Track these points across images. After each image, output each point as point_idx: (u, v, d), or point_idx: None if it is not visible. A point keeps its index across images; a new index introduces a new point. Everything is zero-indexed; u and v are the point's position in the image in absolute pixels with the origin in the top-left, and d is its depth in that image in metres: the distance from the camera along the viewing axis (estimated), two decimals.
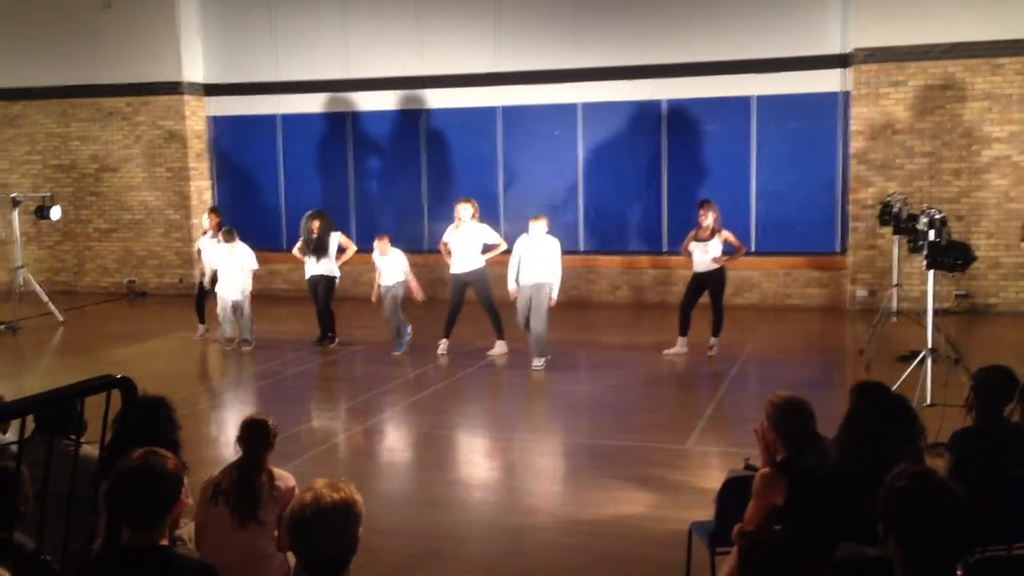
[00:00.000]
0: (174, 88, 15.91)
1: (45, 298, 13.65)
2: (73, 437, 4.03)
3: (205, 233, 12.25)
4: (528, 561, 5.67)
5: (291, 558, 4.30)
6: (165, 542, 3.09)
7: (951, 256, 8.13)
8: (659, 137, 14.23)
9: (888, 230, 11.22)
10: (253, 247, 11.84)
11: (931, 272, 8.31)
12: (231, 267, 11.50)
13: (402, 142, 15.37)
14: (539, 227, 10.30)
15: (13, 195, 14.07)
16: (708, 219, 10.51)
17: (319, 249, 11.51)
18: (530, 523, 6.28)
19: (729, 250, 10.71)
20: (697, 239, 10.59)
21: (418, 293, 11.19)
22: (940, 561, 2.56)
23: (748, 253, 11.87)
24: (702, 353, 10.56)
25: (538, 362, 10.17)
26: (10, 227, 14.27)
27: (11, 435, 4.49)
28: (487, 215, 11.93)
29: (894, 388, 4.58)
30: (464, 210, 10.77)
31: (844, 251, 13.49)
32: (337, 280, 11.73)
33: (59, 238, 16.74)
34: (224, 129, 16.41)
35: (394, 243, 11.34)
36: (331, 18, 15.40)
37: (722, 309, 10.68)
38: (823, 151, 13.60)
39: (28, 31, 16.33)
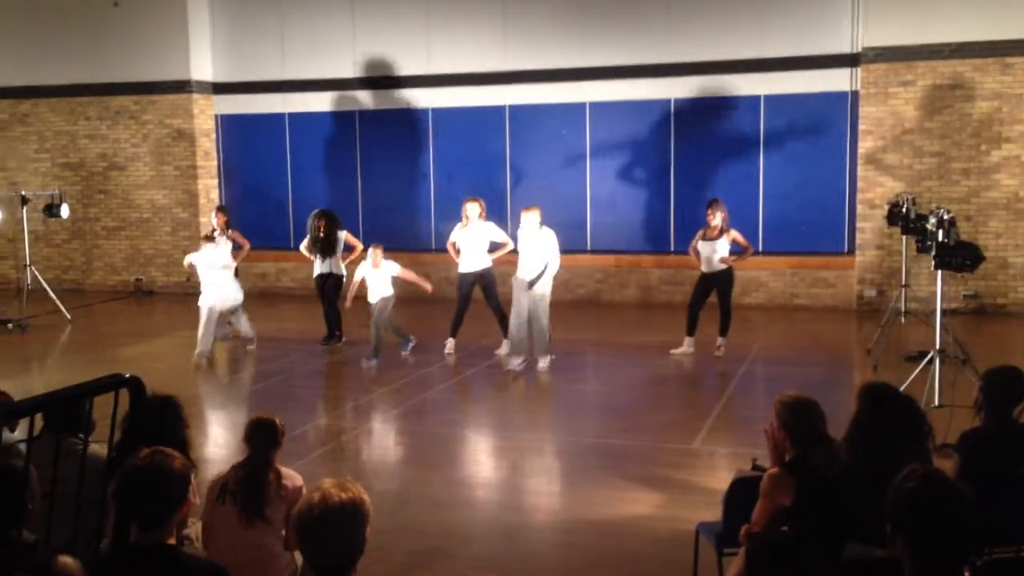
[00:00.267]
0: (182, 87, 15.94)
1: (54, 296, 13.69)
2: (81, 436, 4.03)
3: (214, 231, 12.26)
4: (534, 560, 5.67)
5: (298, 557, 4.31)
6: (173, 541, 3.09)
7: (960, 256, 8.11)
8: (667, 136, 14.20)
9: (896, 230, 11.20)
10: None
11: (939, 272, 8.28)
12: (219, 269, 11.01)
13: (409, 141, 15.37)
14: (531, 218, 9.87)
15: (22, 193, 14.12)
16: (716, 218, 10.49)
17: (326, 247, 11.52)
18: (536, 522, 6.28)
19: (737, 250, 10.69)
20: (705, 238, 10.58)
21: (425, 284, 10.85)
22: (948, 562, 2.56)
23: (755, 253, 11.84)
24: (709, 353, 10.54)
25: (543, 362, 10.04)
26: (19, 225, 14.32)
27: (19, 434, 4.50)
28: (494, 214, 11.93)
29: (902, 389, 4.57)
30: (472, 209, 10.76)
31: (852, 251, 13.45)
32: (344, 279, 11.74)
33: (67, 236, 16.78)
34: (232, 127, 16.44)
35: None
36: (339, 17, 15.41)
37: (730, 309, 10.67)
38: (831, 151, 13.55)
39: (37, 30, 16.37)
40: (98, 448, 4.02)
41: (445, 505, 6.46)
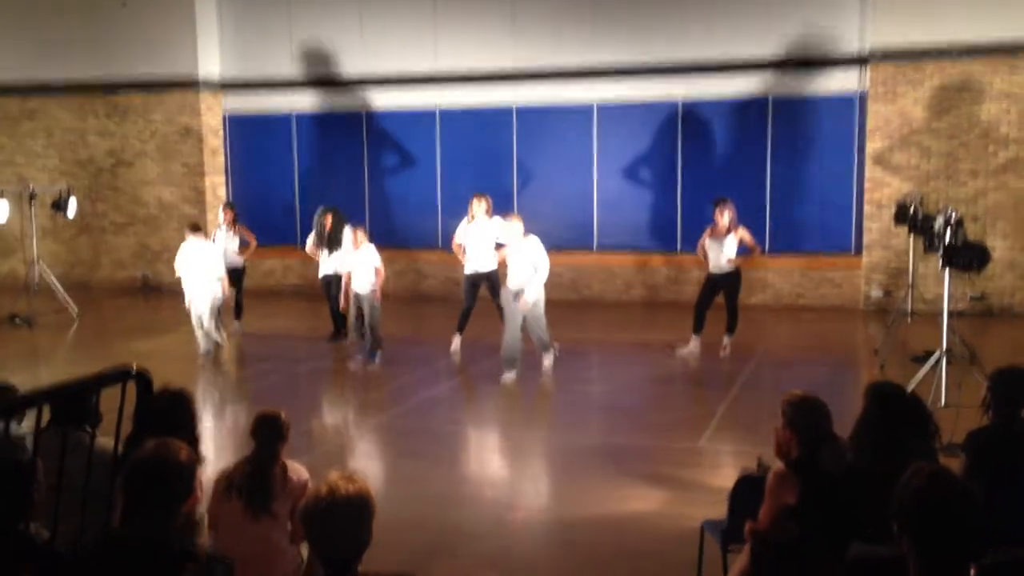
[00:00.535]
0: (190, 84, 15.97)
1: (61, 292, 13.73)
2: (88, 429, 4.04)
3: (220, 228, 12.30)
4: (539, 557, 5.67)
5: (304, 551, 4.32)
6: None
7: (967, 257, 8.09)
8: (675, 136, 14.19)
9: (904, 230, 11.18)
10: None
11: (947, 273, 8.27)
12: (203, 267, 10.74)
13: (417, 140, 15.38)
14: (515, 228, 9.57)
15: (30, 189, 14.17)
16: (724, 218, 10.48)
17: (332, 244, 11.52)
18: (541, 520, 6.28)
19: (744, 250, 10.68)
20: (713, 237, 10.57)
21: (377, 293, 10.31)
22: (954, 561, 2.55)
23: (763, 252, 11.83)
24: (715, 352, 10.53)
25: (547, 360, 9.95)
26: (27, 221, 14.36)
27: (26, 426, 4.51)
28: (501, 214, 11.91)
29: (908, 389, 4.56)
30: (478, 206, 10.77)
31: (859, 251, 13.43)
32: None
33: (75, 232, 16.83)
34: (239, 125, 16.46)
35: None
36: (347, 16, 15.42)
37: (737, 309, 10.66)
38: (839, 151, 13.53)
39: (46, 27, 16.41)
40: (105, 441, 4.03)
41: (449, 502, 6.47)
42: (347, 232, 11.54)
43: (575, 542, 5.76)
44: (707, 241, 10.61)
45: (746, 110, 13.83)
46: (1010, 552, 3.45)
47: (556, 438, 8.09)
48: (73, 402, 4.13)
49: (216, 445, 7.71)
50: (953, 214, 8.30)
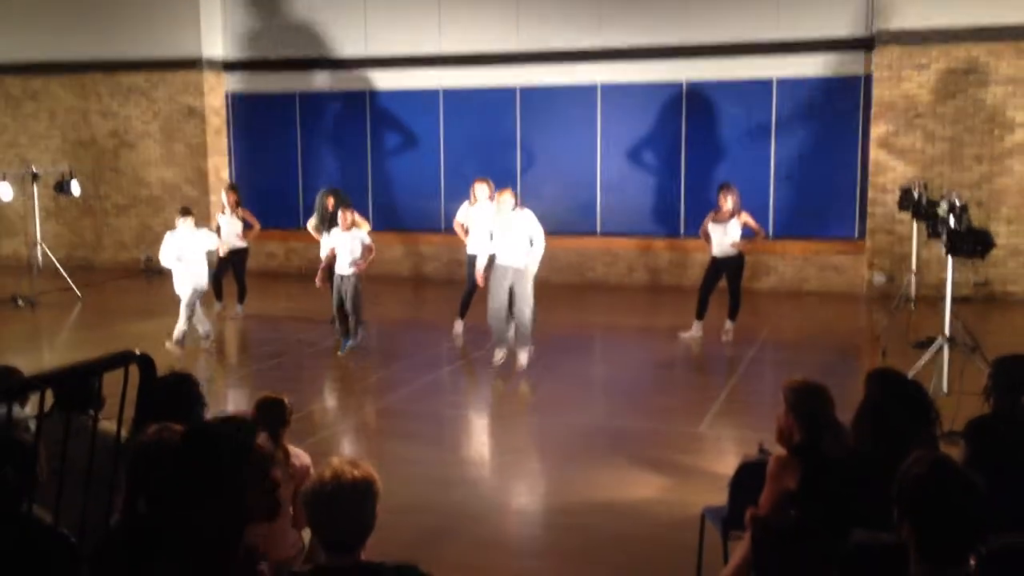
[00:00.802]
0: (194, 64, 15.92)
1: (64, 273, 13.74)
2: (91, 413, 4.05)
3: (223, 210, 12.29)
4: (540, 541, 5.69)
5: (305, 536, 4.33)
6: None
7: (970, 243, 8.06)
8: (679, 119, 14.14)
9: (907, 216, 11.15)
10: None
11: (950, 259, 8.25)
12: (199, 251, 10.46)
13: (420, 121, 15.34)
14: (507, 200, 9.30)
15: (33, 170, 14.15)
16: (728, 202, 10.46)
17: (333, 226, 11.49)
18: (543, 504, 6.30)
19: (748, 233, 10.67)
20: (716, 221, 10.55)
21: (362, 264, 10.01)
22: (955, 548, 2.56)
23: (766, 237, 11.82)
24: (717, 337, 10.53)
25: (523, 356, 9.30)
26: (29, 202, 14.36)
27: (29, 410, 4.52)
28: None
29: (910, 375, 4.56)
30: (481, 190, 10.75)
31: (863, 236, 13.41)
32: None
33: (77, 213, 16.83)
34: (243, 106, 16.43)
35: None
36: None
37: (740, 293, 10.65)
38: (844, 135, 13.48)
39: (49, 6, 16.36)
40: (108, 425, 4.04)
41: (451, 485, 6.48)
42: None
43: (575, 526, 5.77)
44: (711, 225, 10.60)
45: (750, 92, 13.77)
46: (1010, 538, 3.46)
47: (557, 422, 8.10)
48: (76, 386, 4.13)
49: None
50: (957, 200, 8.28)
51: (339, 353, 10.02)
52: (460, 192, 11.85)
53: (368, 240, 10.19)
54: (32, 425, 3.79)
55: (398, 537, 5.33)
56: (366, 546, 2.83)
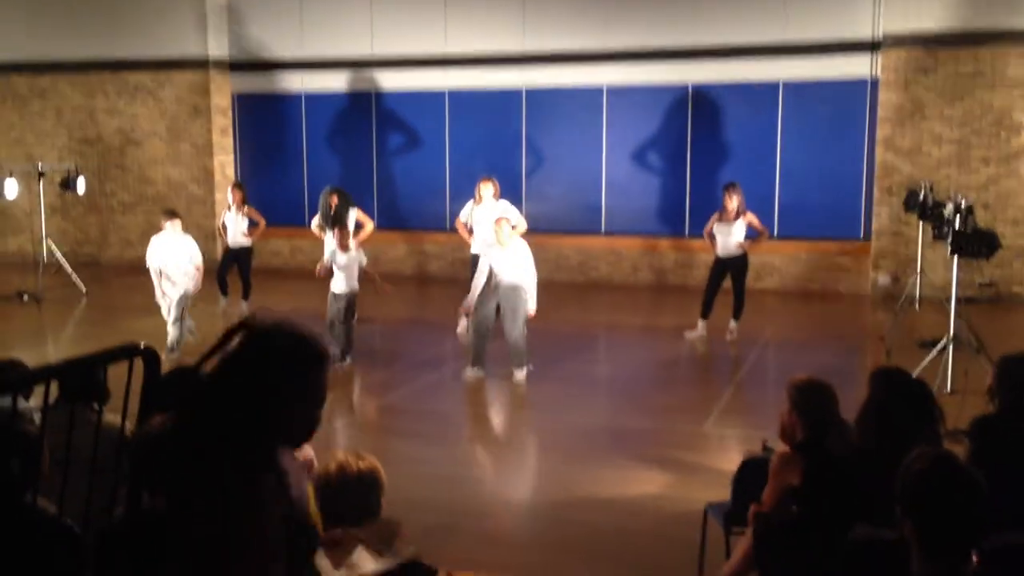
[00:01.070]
0: (200, 64, 15.95)
1: (69, 269, 13.78)
2: (96, 405, 4.06)
3: (229, 208, 12.31)
4: (544, 537, 5.70)
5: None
6: None
7: (976, 244, 8.06)
8: (685, 121, 14.14)
9: (913, 217, 11.15)
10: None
11: (955, 259, 8.24)
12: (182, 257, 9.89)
13: (426, 121, 15.36)
14: (486, 191, 9.58)
15: (39, 167, 14.19)
16: (733, 202, 10.46)
17: (337, 224, 11.50)
18: (547, 500, 6.31)
19: (752, 234, 10.67)
20: (721, 221, 10.55)
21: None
22: (957, 545, 2.56)
23: (771, 237, 11.82)
24: (722, 337, 10.53)
25: (519, 374, 8.99)
26: (36, 198, 14.39)
27: (34, 402, 4.54)
28: (509, 197, 11.88)
29: (914, 375, 4.56)
30: (486, 189, 10.76)
31: (868, 237, 13.39)
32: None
33: (83, 210, 16.87)
34: (249, 105, 16.46)
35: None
36: None
37: (744, 293, 10.65)
38: (850, 137, 13.47)
39: (56, 5, 16.41)
40: (112, 417, 4.05)
41: (454, 482, 6.49)
42: (353, 213, 11.30)
43: (578, 523, 5.78)
44: (716, 226, 10.60)
45: (757, 95, 13.77)
46: (1012, 536, 3.46)
47: (561, 419, 8.10)
48: (80, 379, 4.14)
49: None
50: (963, 201, 8.27)
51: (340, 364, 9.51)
52: (465, 192, 11.86)
53: (365, 260, 9.77)
54: (36, 417, 3.80)
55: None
56: None
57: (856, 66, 13.33)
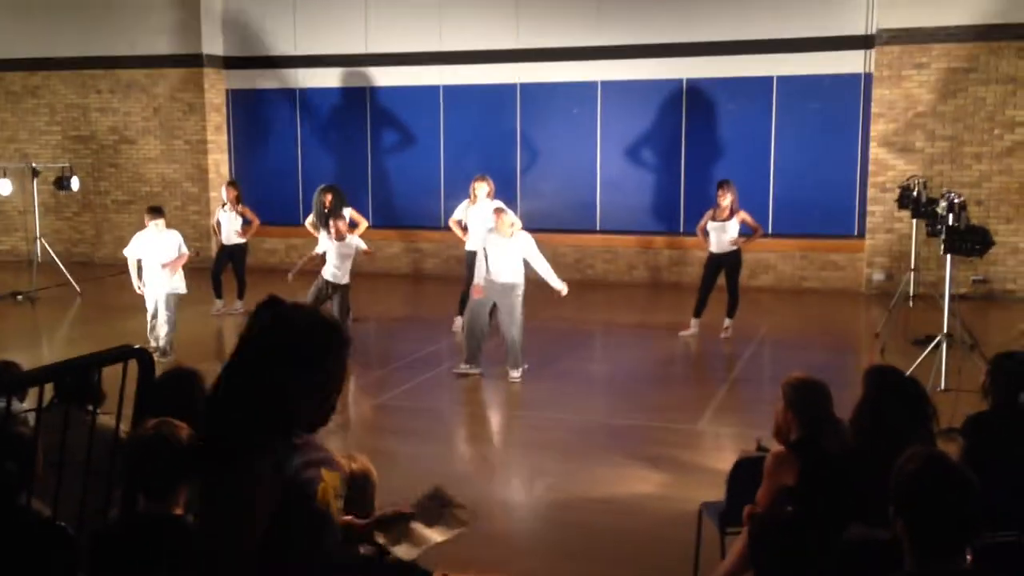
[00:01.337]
0: (194, 60, 15.92)
1: (63, 269, 13.74)
2: (90, 407, 4.06)
3: (224, 206, 12.29)
4: (539, 537, 5.70)
5: None
6: (180, 511, 3.12)
7: (969, 241, 8.07)
8: (679, 116, 14.15)
9: (907, 214, 11.17)
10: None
11: (949, 257, 8.26)
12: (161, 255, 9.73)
13: (420, 118, 15.34)
14: (480, 191, 9.48)
15: (33, 165, 14.16)
16: (727, 199, 10.47)
17: (330, 222, 11.47)
18: (541, 499, 6.31)
19: (746, 231, 10.68)
20: (715, 219, 10.56)
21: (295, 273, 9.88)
22: (949, 544, 2.56)
23: (765, 235, 11.83)
24: (716, 335, 10.54)
25: (515, 373, 8.97)
26: (29, 197, 14.36)
27: (28, 404, 4.53)
28: (504, 194, 11.90)
29: (908, 373, 4.57)
30: (480, 188, 10.74)
31: (862, 234, 13.41)
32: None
33: (77, 209, 16.82)
34: (243, 102, 16.43)
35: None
36: None
37: (737, 291, 10.66)
38: (843, 133, 13.49)
39: (49, 2, 16.35)
40: (107, 419, 4.05)
41: (452, 481, 6.45)
42: (347, 212, 11.38)
43: (573, 523, 5.78)
44: (709, 223, 10.60)
45: (751, 90, 13.78)
46: (1006, 535, 3.47)
47: (557, 418, 8.11)
48: (75, 381, 4.14)
49: None
50: (956, 198, 8.29)
51: None
52: (460, 189, 11.85)
53: (364, 245, 10.06)
54: (31, 419, 3.80)
55: None
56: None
57: (850, 62, 13.34)
